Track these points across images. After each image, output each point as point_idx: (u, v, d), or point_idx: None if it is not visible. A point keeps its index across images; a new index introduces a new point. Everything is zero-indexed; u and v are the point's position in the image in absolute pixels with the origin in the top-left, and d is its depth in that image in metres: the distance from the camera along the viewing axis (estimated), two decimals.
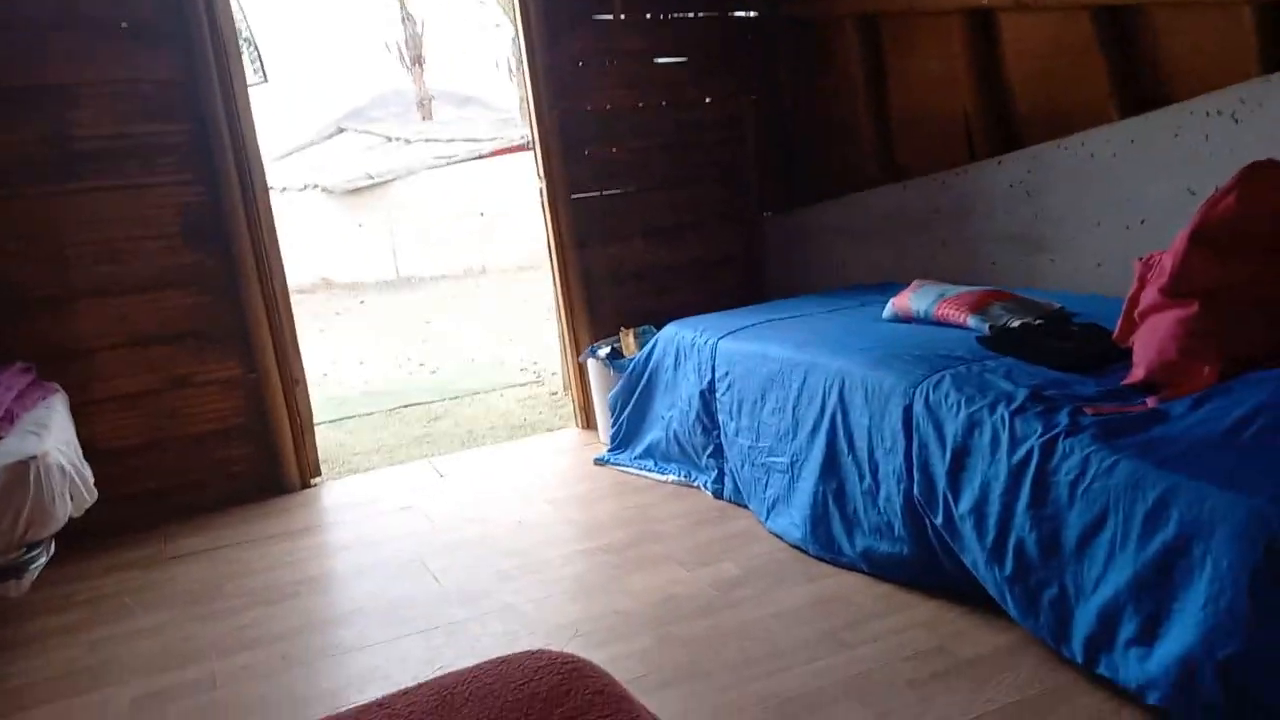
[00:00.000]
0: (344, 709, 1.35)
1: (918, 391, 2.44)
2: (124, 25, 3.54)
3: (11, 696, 2.47)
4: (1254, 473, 1.70)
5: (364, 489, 3.97)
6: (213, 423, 3.82)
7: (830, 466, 2.74)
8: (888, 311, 3.29)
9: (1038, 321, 2.80)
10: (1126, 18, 3.22)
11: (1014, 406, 2.19)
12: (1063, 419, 2.08)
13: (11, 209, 3.45)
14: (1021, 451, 2.09)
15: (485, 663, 1.39)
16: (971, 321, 2.93)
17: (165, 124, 3.63)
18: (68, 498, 2.54)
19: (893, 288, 3.65)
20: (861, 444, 2.62)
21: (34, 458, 2.37)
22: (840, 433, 2.70)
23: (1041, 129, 3.57)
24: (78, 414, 3.20)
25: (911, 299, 3.21)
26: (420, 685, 1.35)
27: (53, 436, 2.62)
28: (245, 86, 3.82)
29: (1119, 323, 2.46)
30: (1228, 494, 1.66)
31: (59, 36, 3.46)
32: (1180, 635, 1.71)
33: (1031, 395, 2.21)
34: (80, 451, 2.87)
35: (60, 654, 2.68)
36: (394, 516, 3.57)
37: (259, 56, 6.02)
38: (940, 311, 3.06)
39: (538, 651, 1.43)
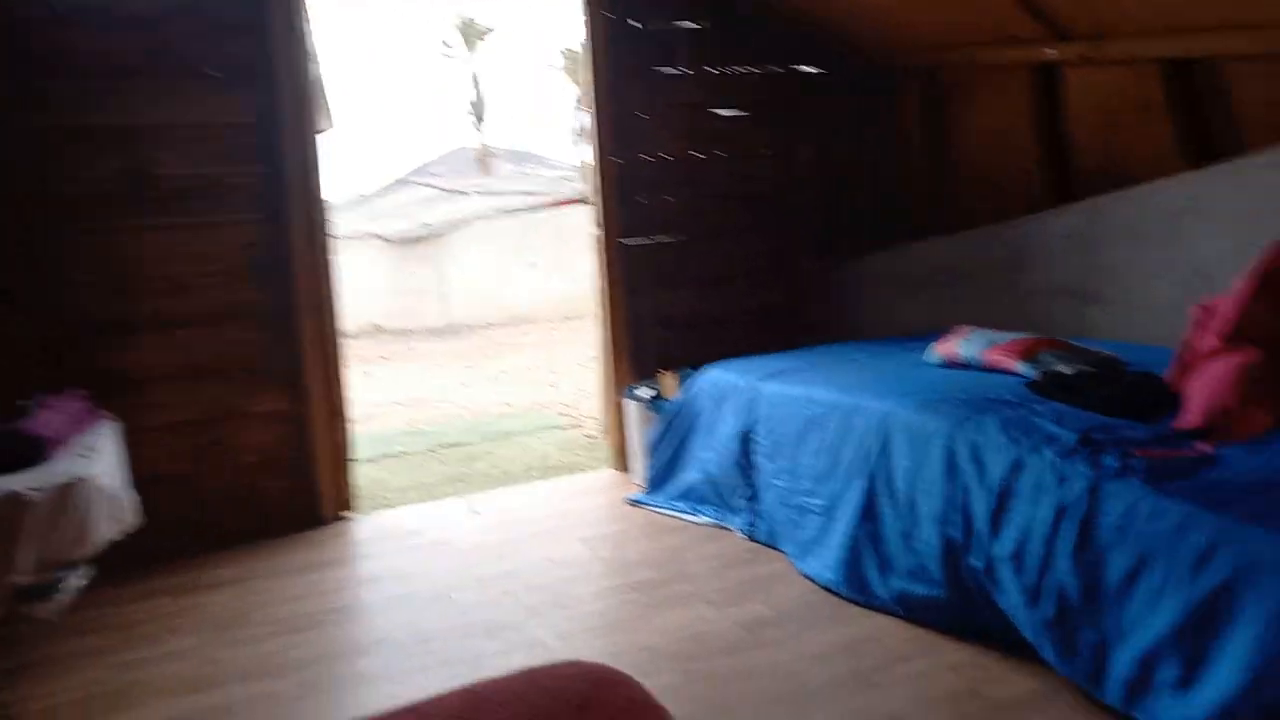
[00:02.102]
0: (375, 714, 1.30)
1: (961, 433, 2.37)
2: (208, 70, 3.63)
3: (37, 718, 2.47)
4: None
5: (397, 524, 3.95)
6: (256, 454, 3.83)
7: (868, 509, 2.67)
8: (933, 356, 3.22)
9: (1089, 368, 2.71)
10: (1197, 72, 3.14)
11: (1061, 449, 2.12)
12: (1111, 462, 2.00)
13: (85, 242, 3.54)
14: (1066, 494, 2.01)
15: (518, 671, 1.35)
16: (1021, 367, 2.86)
17: (239, 165, 3.70)
18: (108, 521, 2.56)
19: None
20: (902, 487, 2.55)
21: (80, 480, 2.41)
22: (880, 475, 2.63)
23: (1104, 184, 3.49)
24: (131, 440, 3.21)
25: (960, 345, 3.14)
26: (451, 691, 1.30)
27: (101, 461, 2.66)
28: (315, 133, 3.91)
29: (1172, 368, 2.38)
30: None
31: (147, 80, 3.56)
32: (1223, 679, 1.63)
33: (1080, 439, 2.15)
34: (127, 477, 2.89)
35: (87, 675, 2.68)
36: (425, 551, 3.54)
37: (325, 103, 6.18)
38: (989, 357, 2.99)
39: (572, 661, 1.40)
